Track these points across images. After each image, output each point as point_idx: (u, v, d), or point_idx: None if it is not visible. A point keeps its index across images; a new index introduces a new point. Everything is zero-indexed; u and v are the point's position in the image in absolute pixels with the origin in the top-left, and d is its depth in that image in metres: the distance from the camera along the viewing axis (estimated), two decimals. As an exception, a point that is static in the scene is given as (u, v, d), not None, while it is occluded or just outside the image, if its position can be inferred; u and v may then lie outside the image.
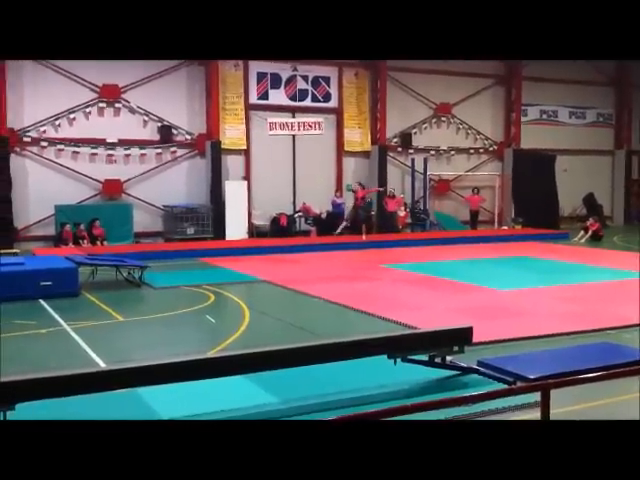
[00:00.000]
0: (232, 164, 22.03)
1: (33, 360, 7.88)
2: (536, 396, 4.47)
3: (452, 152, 25.45)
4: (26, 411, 5.04)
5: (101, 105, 20.40)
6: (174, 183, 21.29)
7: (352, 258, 17.09)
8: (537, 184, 24.75)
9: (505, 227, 24.95)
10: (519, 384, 6.33)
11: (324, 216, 22.48)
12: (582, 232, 22.03)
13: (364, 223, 20.98)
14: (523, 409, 5.79)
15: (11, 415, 5.04)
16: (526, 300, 11.25)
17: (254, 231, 21.74)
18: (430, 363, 6.90)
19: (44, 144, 19.74)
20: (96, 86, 20.24)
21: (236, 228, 21.03)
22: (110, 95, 20.39)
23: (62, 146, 19.89)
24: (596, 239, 21.50)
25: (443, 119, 25.39)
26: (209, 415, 5.75)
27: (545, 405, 3.88)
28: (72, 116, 20.03)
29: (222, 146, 21.46)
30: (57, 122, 19.88)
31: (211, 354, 7.45)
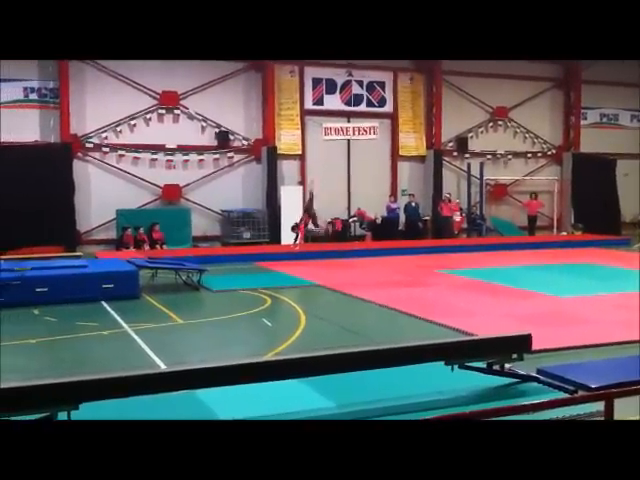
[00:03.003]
0: (287, 169, 22.21)
1: (96, 361, 8.09)
2: (597, 406, 4.38)
3: (509, 156, 25.09)
4: (88, 410, 5.18)
5: (161, 112, 20.84)
6: (231, 188, 21.59)
7: (407, 263, 17.01)
8: (597, 189, 24.21)
9: (564, 233, 24.45)
10: (580, 393, 6.21)
11: (379, 221, 22.42)
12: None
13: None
14: (584, 419, 5.67)
15: (75, 414, 5.18)
16: (587, 307, 11.01)
17: (309, 236, 21.83)
18: (488, 370, 6.81)
19: (106, 150, 20.25)
20: (156, 93, 20.69)
21: (291, 233, 21.12)
22: (169, 102, 20.81)
23: (123, 152, 20.38)
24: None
25: (500, 123, 25.06)
26: (266, 418, 5.79)
27: (609, 415, 3.80)
28: (133, 122, 20.51)
29: (278, 151, 21.66)
30: (118, 128, 20.39)
31: (268, 357, 7.52)
